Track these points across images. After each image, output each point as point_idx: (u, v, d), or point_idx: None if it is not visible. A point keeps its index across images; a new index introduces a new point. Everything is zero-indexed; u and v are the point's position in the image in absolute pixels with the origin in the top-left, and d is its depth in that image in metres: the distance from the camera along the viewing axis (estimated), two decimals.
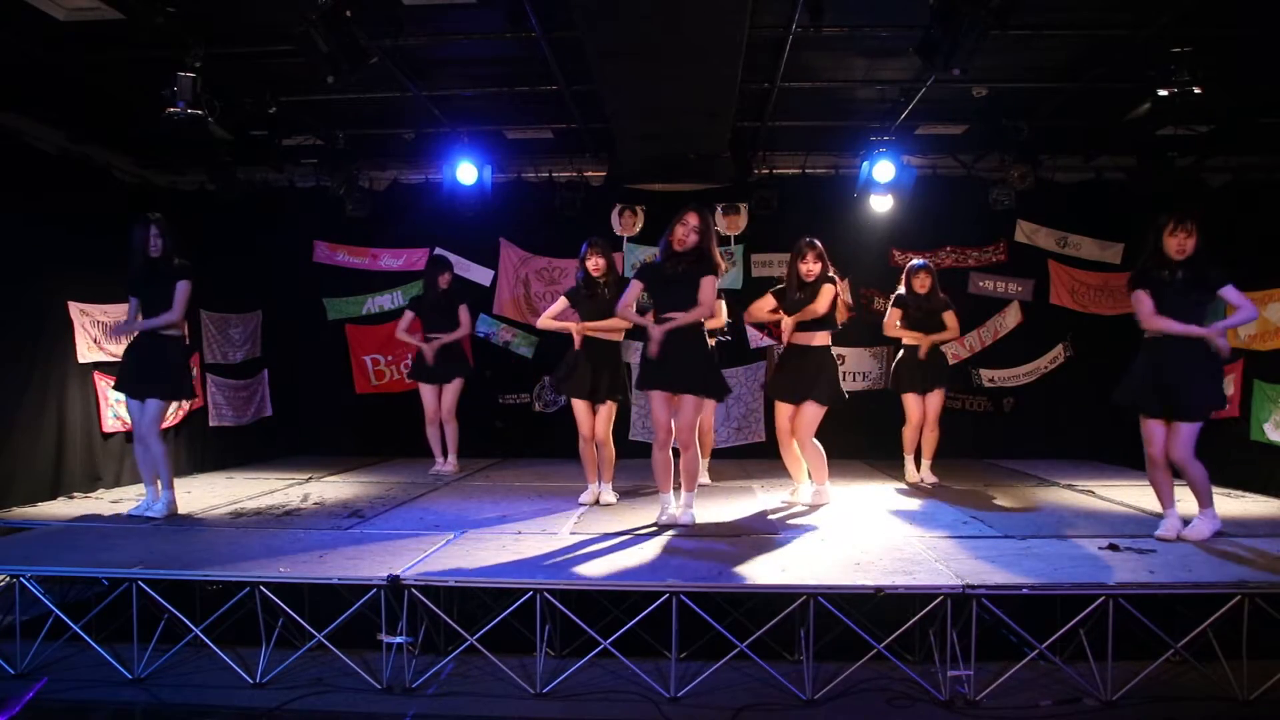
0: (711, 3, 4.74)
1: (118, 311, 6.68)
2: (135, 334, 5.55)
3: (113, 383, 5.99)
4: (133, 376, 5.47)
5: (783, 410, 5.83)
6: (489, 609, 4.17)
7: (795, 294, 5.69)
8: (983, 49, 4.90)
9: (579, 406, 5.84)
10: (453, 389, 7.23)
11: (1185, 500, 4.83)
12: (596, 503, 5.87)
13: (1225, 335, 4.73)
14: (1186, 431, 4.62)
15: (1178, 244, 4.64)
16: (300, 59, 5.04)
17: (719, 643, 3.92)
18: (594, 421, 5.85)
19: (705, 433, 6.77)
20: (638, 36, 5.13)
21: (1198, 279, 4.64)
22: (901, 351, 6.95)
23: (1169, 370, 4.61)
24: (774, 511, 5.68)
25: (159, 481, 5.52)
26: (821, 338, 5.70)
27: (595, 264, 5.77)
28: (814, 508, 5.74)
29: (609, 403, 5.85)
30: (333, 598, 4.18)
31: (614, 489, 6.03)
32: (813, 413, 5.65)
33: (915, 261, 6.91)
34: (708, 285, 4.92)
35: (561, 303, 6.02)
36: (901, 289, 6.82)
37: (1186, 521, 4.78)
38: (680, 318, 4.91)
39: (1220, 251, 7.90)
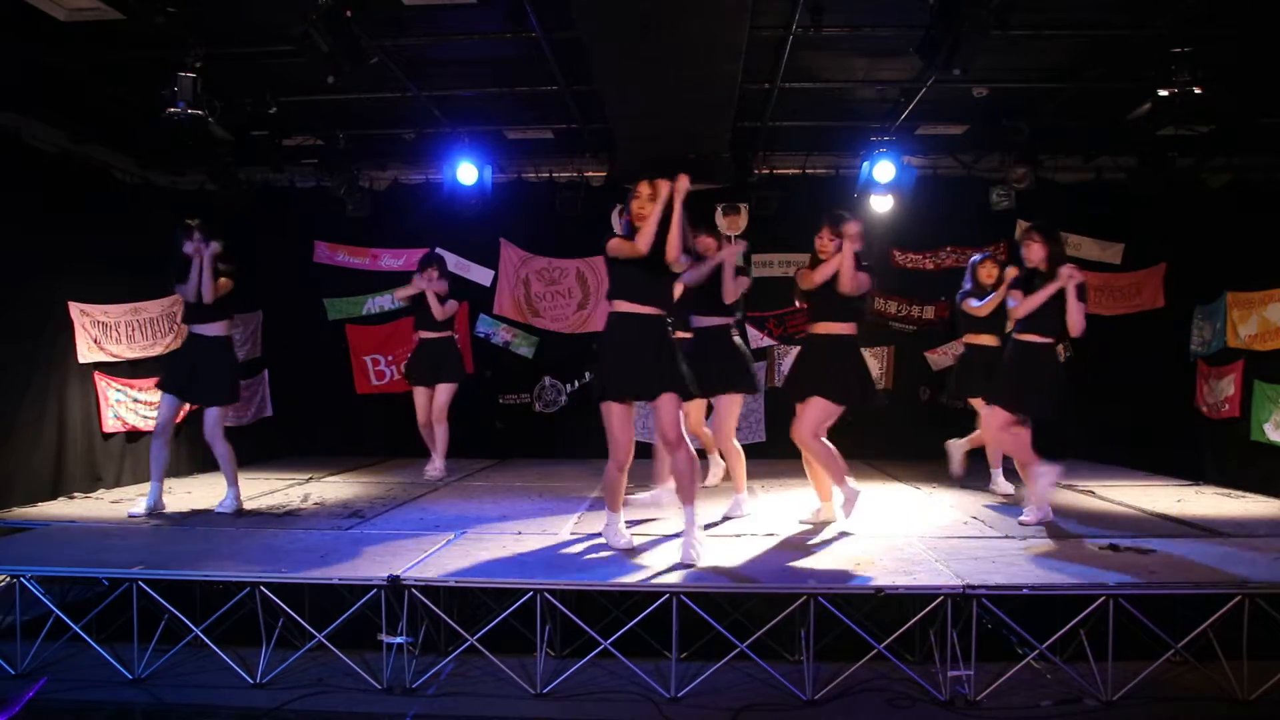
0: (712, 3, 4.74)
1: (118, 312, 6.71)
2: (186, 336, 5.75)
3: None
4: (189, 382, 5.52)
5: (798, 414, 5.08)
6: (489, 609, 4.17)
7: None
8: (983, 49, 4.91)
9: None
10: (444, 391, 7.08)
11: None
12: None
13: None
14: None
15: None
16: (300, 59, 5.04)
17: (719, 643, 3.92)
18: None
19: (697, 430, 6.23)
20: (638, 37, 5.13)
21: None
22: (964, 351, 6.47)
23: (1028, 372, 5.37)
24: (775, 512, 5.68)
25: (225, 481, 5.69)
26: (843, 327, 5.03)
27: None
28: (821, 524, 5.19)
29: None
30: (333, 598, 4.18)
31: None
32: (814, 409, 4.91)
33: (976, 256, 6.40)
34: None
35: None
36: (967, 284, 6.31)
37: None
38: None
39: (1220, 251, 7.94)
